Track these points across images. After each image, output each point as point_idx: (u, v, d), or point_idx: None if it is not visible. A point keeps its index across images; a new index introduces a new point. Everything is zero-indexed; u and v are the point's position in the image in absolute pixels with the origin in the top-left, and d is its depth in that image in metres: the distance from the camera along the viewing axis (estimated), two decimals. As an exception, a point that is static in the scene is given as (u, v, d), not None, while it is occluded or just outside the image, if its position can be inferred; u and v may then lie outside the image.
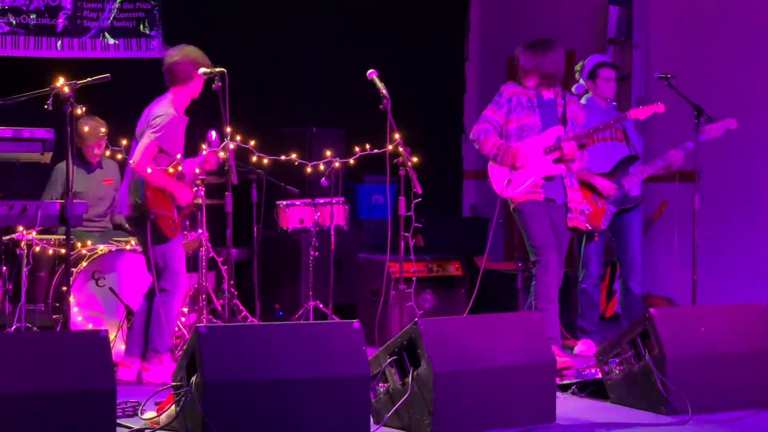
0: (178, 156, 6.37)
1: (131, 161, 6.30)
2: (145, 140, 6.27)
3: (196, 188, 6.61)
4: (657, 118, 8.13)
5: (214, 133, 6.36)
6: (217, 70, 6.10)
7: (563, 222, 6.96)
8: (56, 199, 7.30)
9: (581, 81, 7.82)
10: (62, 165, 7.21)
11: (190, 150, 6.59)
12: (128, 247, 6.97)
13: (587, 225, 7.26)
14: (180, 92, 6.41)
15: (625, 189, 7.57)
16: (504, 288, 8.40)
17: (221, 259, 7.50)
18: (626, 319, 7.66)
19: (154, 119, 6.30)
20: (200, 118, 6.85)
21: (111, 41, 8.80)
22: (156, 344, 6.38)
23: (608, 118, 7.50)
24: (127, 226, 7.58)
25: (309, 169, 7.43)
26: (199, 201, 6.74)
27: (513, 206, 6.92)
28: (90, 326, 6.71)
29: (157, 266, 6.36)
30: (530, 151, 6.83)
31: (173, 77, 6.39)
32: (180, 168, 6.35)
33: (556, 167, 6.87)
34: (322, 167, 7.41)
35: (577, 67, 7.91)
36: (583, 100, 7.63)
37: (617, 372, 5.82)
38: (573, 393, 6.07)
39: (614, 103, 7.84)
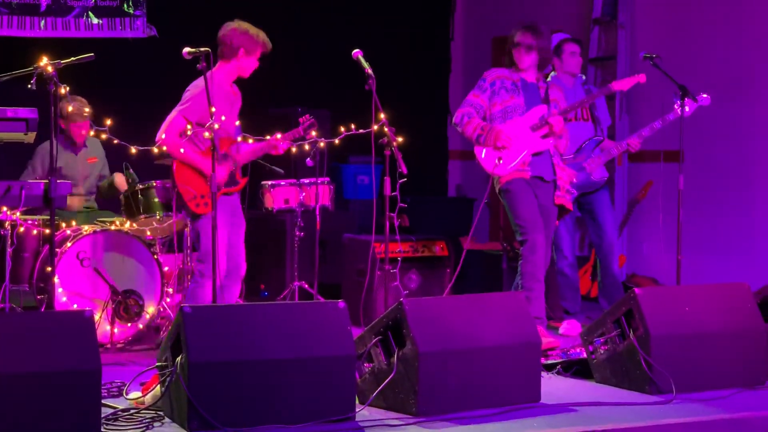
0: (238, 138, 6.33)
1: (158, 136, 6.26)
2: (172, 113, 6.26)
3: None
4: (643, 98, 8.17)
5: (308, 117, 6.41)
6: (202, 49, 6.07)
7: (550, 201, 6.97)
8: (36, 177, 7.29)
9: None
10: (46, 144, 7.18)
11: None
12: (113, 227, 6.95)
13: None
14: (223, 66, 6.35)
15: (587, 171, 7.54)
16: (489, 268, 8.41)
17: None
18: (605, 299, 7.66)
19: (185, 93, 6.29)
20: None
21: (95, 21, 8.76)
22: None
23: (575, 94, 7.51)
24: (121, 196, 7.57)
25: (294, 150, 7.41)
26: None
27: (500, 187, 6.93)
28: (75, 307, 6.69)
29: (195, 245, 6.34)
30: (515, 131, 6.85)
31: (219, 49, 6.35)
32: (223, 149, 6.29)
33: (545, 142, 6.89)
34: (307, 147, 7.40)
35: None
36: (548, 79, 7.64)
37: (602, 352, 5.84)
38: (558, 373, 6.08)
39: (582, 77, 7.82)
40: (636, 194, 9.19)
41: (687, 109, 7.23)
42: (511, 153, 6.85)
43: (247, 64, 6.38)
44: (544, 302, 7.00)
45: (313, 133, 6.77)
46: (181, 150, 6.20)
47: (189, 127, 6.31)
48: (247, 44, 6.33)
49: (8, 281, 6.49)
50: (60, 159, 7.26)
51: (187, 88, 6.35)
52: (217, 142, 6.10)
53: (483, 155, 6.92)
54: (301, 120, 6.67)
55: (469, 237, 7.13)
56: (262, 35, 6.40)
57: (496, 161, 6.85)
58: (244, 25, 6.40)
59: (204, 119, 6.23)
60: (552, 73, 7.73)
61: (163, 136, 6.23)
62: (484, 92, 6.94)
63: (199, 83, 6.29)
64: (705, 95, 7.33)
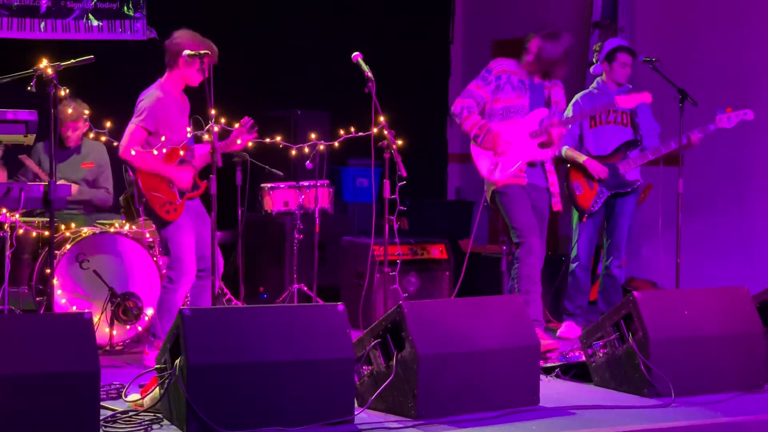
0: (188, 139, 6.32)
1: (119, 148, 6.28)
2: (130, 126, 6.26)
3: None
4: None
5: (247, 119, 6.40)
6: (202, 52, 6.08)
7: (545, 204, 6.98)
8: (22, 177, 7.31)
9: (595, 61, 7.80)
10: (38, 145, 7.18)
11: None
12: (112, 229, 6.96)
13: (579, 205, 7.35)
14: (171, 75, 6.37)
15: (621, 173, 7.56)
16: (488, 271, 8.41)
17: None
18: (603, 301, 7.69)
19: (138, 104, 6.29)
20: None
21: (95, 23, 8.76)
22: (156, 329, 6.38)
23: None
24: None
25: (294, 152, 7.42)
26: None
27: (495, 189, 6.93)
28: (74, 309, 6.69)
29: (164, 252, 6.36)
30: (514, 135, 6.83)
31: (166, 58, 6.35)
32: (182, 153, 6.29)
33: (542, 152, 6.88)
34: (306, 150, 7.40)
35: (596, 48, 7.89)
36: (594, 84, 7.65)
37: (601, 355, 5.84)
38: (557, 376, 6.09)
39: (629, 86, 7.79)
40: (635, 197, 9.18)
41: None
42: (507, 160, 6.83)
43: (188, 73, 6.31)
44: (542, 304, 7.01)
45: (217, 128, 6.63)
46: (132, 152, 6.19)
47: (190, 130, 6.32)
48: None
49: (7, 283, 6.49)
50: (46, 160, 7.27)
51: (140, 98, 6.32)
52: (170, 149, 6.15)
53: (479, 159, 6.92)
54: (242, 122, 6.62)
55: (470, 240, 7.13)
56: (206, 44, 6.29)
57: (493, 167, 6.85)
58: (189, 34, 6.34)
59: (161, 128, 6.24)
60: (600, 78, 7.68)
61: (125, 148, 6.22)
62: (488, 84, 6.89)
63: (152, 93, 6.31)
64: (747, 110, 7.42)
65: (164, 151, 6.24)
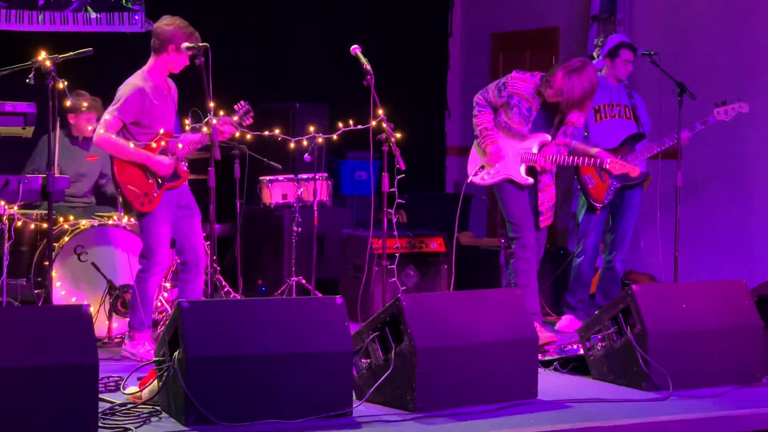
0: (162, 130, 6.28)
1: (94, 137, 6.25)
2: (106, 115, 6.21)
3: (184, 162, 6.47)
4: (641, 94, 8.14)
5: (243, 103, 6.36)
6: (201, 45, 6.07)
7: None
8: (38, 171, 7.28)
9: (596, 56, 7.79)
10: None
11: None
12: (111, 222, 6.96)
13: (592, 198, 7.35)
14: (157, 60, 6.29)
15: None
16: (486, 264, 8.42)
17: (204, 234, 7.48)
18: (601, 294, 7.70)
19: (117, 92, 6.25)
20: (183, 93, 6.81)
21: (93, 15, 8.75)
22: (130, 318, 6.39)
23: (617, 97, 7.53)
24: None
25: (292, 145, 7.41)
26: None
27: (493, 183, 6.95)
28: (72, 301, 6.69)
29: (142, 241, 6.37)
30: (509, 152, 6.85)
31: (154, 43, 6.30)
32: (162, 143, 6.26)
33: (525, 180, 6.88)
34: (305, 143, 7.40)
35: (598, 42, 7.89)
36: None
37: (599, 348, 5.85)
38: (555, 369, 6.09)
39: (626, 82, 7.81)
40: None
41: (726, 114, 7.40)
42: (493, 172, 6.88)
43: (176, 60, 6.26)
44: (539, 298, 7.02)
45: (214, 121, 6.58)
46: (112, 137, 6.17)
47: (186, 121, 6.30)
48: (176, 40, 6.21)
49: (6, 275, 6.49)
50: (65, 153, 7.27)
51: (120, 87, 6.27)
52: (150, 138, 6.13)
53: (472, 159, 6.97)
54: (236, 107, 6.58)
55: (455, 232, 7.13)
56: (195, 34, 6.25)
57: (477, 172, 6.89)
58: (177, 21, 6.30)
59: (140, 118, 6.20)
60: (601, 72, 7.67)
61: (100, 137, 6.20)
62: (501, 97, 6.91)
63: (131, 82, 6.25)
64: (742, 103, 7.41)
65: (155, 144, 6.21)
